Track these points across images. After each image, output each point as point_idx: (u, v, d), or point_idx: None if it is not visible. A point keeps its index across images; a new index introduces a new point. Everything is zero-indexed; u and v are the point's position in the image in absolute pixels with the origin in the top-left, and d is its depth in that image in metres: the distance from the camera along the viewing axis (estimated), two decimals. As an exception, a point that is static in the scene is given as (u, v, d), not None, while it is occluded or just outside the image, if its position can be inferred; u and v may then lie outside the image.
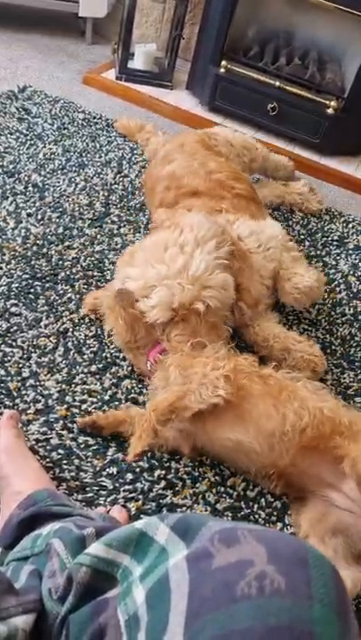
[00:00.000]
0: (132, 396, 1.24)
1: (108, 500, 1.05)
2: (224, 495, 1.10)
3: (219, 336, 1.21)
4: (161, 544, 0.52)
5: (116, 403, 1.21)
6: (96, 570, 0.55)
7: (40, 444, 1.11)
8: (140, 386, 1.26)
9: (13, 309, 1.35)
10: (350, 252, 1.85)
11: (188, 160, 1.60)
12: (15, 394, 1.18)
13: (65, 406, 1.18)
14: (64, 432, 1.14)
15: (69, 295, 1.41)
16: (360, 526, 0.98)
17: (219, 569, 0.45)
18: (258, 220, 1.50)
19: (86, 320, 1.37)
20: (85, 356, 1.29)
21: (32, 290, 1.40)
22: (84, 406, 1.19)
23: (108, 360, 1.30)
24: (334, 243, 1.87)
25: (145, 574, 0.50)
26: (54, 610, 0.57)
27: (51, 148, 1.92)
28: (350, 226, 1.96)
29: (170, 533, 0.52)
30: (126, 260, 1.25)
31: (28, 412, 1.16)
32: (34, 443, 1.11)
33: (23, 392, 1.19)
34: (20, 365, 1.23)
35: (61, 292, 1.42)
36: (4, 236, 1.53)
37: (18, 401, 1.17)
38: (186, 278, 1.15)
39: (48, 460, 1.09)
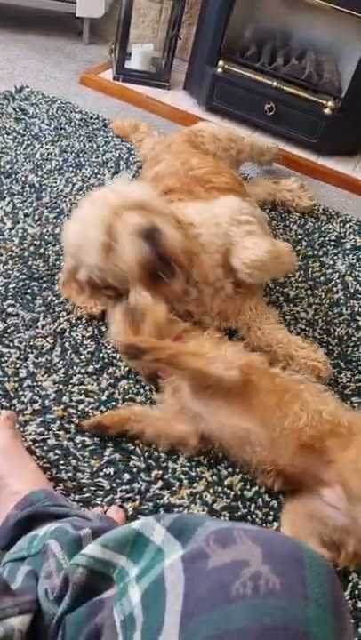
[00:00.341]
0: (130, 396, 1.24)
1: (106, 500, 1.05)
2: (221, 495, 1.10)
3: None
4: (157, 544, 0.52)
5: (113, 403, 1.21)
6: (92, 570, 0.55)
7: (37, 445, 1.11)
8: (137, 386, 1.26)
9: (10, 310, 1.34)
10: (347, 251, 1.85)
11: (173, 160, 1.60)
12: (12, 394, 1.18)
13: (62, 407, 1.18)
14: (61, 432, 1.14)
15: (66, 295, 1.41)
16: (341, 522, 1.00)
17: (214, 569, 0.45)
18: None
19: (83, 320, 1.37)
20: (82, 357, 1.29)
21: (29, 290, 1.40)
22: (81, 407, 1.19)
23: (106, 360, 1.30)
24: (331, 243, 1.87)
25: (141, 575, 0.50)
26: (50, 610, 0.57)
27: (48, 149, 1.92)
28: (347, 226, 1.97)
29: (166, 534, 0.52)
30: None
31: (25, 412, 1.16)
32: (31, 443, 1.11)
33: (20, 393, 1.19)
34: (17, 366, 1.23)
35: (58, 292, 1.42)
36: (0, 237, 1.53)
37: (15, 402, 1.17)
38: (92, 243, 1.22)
39: (45, 460, 1.09)
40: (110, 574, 0.54)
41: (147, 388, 1.26)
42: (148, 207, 1.24)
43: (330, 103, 2.18)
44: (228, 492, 1.11)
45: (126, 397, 1.23)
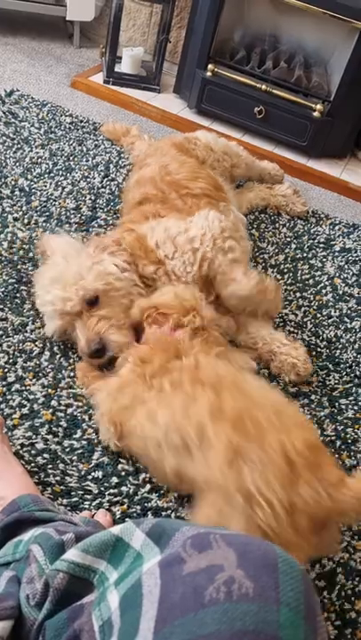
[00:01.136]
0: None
1: (94, 504, 1.05)
2: (209, 498, 1.11)
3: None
4: (136, 549, 0.52)
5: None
6: (73, 576, 0.55)
7: (25, 449, 1.11)
8: (125, 390, 1.26)
9: (-1, 314, 1.35)
10: (336, 254, 1.86)
11: (156, 165, 1.58)
12: (0, 399, 1.18)
13: (50, 411, 1.18)
14: (49, 436, 1.14)
15: (55, 299, 1.41)
16: None
17: (189, 574, 0.45)
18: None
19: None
20: (71, 360, 1.29)
21: (18, 294, 1.41)
22: (69, 410, 1.20)
23: (94, 364, 1.30)
24: (321, 245, 1.88)
25: (120, 580, 0.51)
26: (31, 616, 0.57)
27: (38, 152, 1.92)
28: (336, 228, 1.98)
29: (145, 539, 0.52)
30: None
31: (14, 416, 1.16)
32: (19, 447, 1.11)
33: (8, 397, 1.19)
34: (6, 370, 1.24)
35: (47, 296, 1.42)
36: (-10, 241, 1.53)
37: (3, 406, 1.17)
38: (59, 288, 1.23)
39: (33, 464, 1.09)
40: (90, 579, 0.55)
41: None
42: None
43: (319, 106, 2.20)
44: (216, 494, 1.12)
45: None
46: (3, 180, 1.75)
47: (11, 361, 1.26)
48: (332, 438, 1.29)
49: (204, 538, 0.48)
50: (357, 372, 1.46)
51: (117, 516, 1.04)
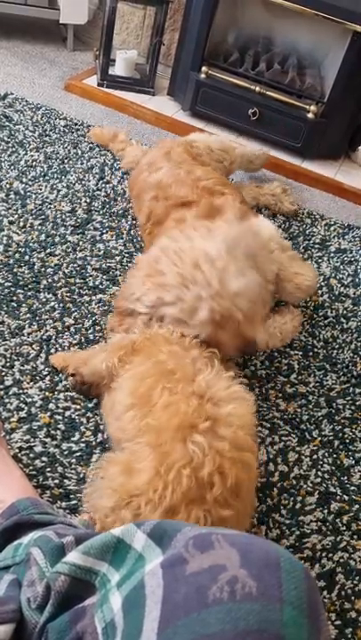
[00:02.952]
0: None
1: (92, 506, 1.05)
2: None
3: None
4: (138, 551, 0.52)
5: (101, 410, 1.22)
6: (74, 578, 0.55)
7: (23, 452, 1.11)
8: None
9: (-4, 318, 1.34)
10: (332, 254, 1.86)
11: (175, 169, 1.58)
12: (-2, 402, 1.18)
13: (48, 414, 1.18)
14: (48, 440, 1.14)
15: (52, 304, 1.41)
16: None
17: (192, 574, 0.45)
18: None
19: (70, 328, 1.37)
20: (68, 363, 1.29)
21: (14, 298, 1.40)
22: (67, 413, 1.19)
23: (92, 367, 1.30)
24: (316, 246, 1.89)
25: (122, 581, 0.51)
26: (33, 619, 0.57)
27: (32, 155, 1.92)
28: (332, 229, 1.98)
29: (147, 540, 0.52)
30: (147, 278, 1.20)
31: (12, 420, 1.15)
32: (17, 451, 1.10)
33: (6, 400, 1.19)
34: (3, 374, 1.23)
35: (44, 299, 1.42)
36: (-15, 244, 1.53)
37: (1, 409, 1.17)
38: (220, 293, 1.10)
39: (32, 467, 1.09)
40: (92, 581, 0.55)
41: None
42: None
43: (313, 107, 2.20)
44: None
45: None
46: (-2, 183, 1.75)
47: (8, 364, 1.25)
48: (330, 438, 1.29)
49: (206, 538, 0.48)
50: (354, 373, 1.46)
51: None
